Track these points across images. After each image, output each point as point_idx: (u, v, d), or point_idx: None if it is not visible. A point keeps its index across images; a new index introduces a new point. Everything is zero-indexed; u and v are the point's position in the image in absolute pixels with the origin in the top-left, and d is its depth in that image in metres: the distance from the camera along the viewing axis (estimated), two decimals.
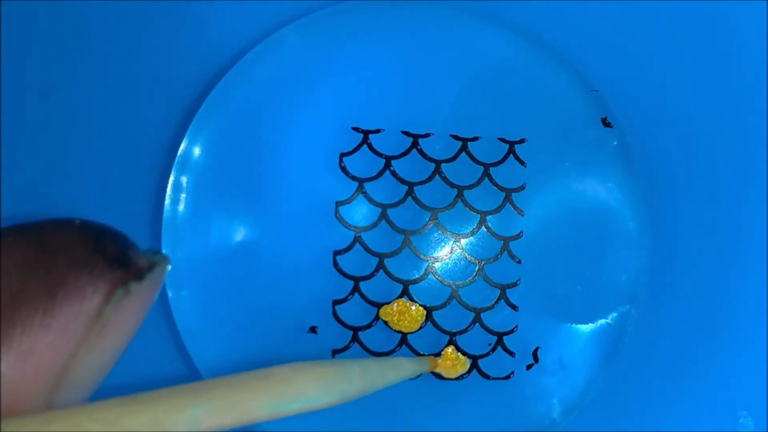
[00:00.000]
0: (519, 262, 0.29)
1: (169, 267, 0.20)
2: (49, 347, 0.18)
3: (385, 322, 0.29)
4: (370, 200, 0.29)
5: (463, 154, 0.29)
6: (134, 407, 0.18)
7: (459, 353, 0.29)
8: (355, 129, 0.29)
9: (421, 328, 0.29)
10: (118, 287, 0.19)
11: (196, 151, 0.29)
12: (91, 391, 0.20)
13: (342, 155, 0.29)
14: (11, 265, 0.18)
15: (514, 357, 0.29)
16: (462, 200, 0.29)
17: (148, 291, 0.19)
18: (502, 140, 0.29)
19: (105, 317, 0.19)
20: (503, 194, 0.29)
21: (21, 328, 0.18)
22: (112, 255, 0.19)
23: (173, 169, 0.29)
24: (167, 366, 0.31)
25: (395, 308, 0.29)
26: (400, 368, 0.26)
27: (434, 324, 0.29)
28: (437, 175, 0.29)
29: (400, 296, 0.29)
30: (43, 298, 0.18)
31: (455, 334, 0.29)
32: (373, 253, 0.29)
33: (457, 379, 0.29)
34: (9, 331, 0.18)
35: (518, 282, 0.29)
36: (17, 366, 0.18)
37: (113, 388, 0.30)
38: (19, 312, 0.18)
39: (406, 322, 0.29)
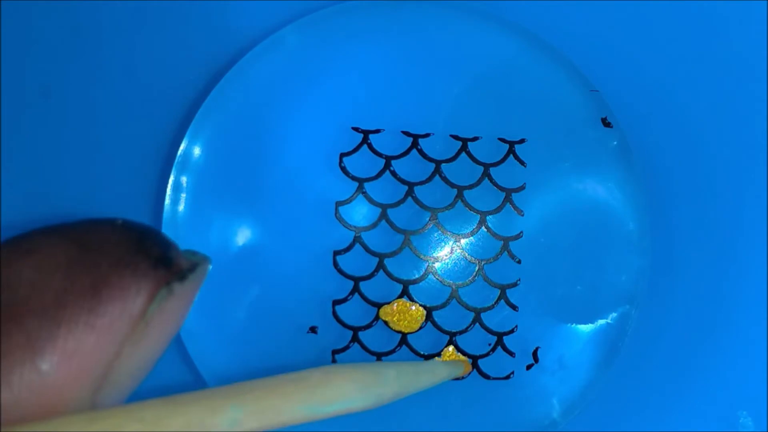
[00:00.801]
0: (519, 262, 0.29)
1: (210, 267, 0.20)
2: (93, 347, 0.18)
3: (385, 322, 0.29)
4: (370, 200, 0.29)
5: (463, 154, 0.29)
6: (174, 408, 0.18)
7: (459, 353, 0.29)
8: (355, 129, 0.29)
9: (421, 328, 0.29)
10: (162, 287, 0.19)
11: (196, 151, 0.29)
12: (132, 390, 0.20)
13: (342, 155, 0.29)
14: (55, 265, 0.18)
15: (514, 357, 0.29)
16: (462, 200, 0.29)
17: (190, 291, 0.20)
18: (502, 140, 0.29)
19: (148, 317, 0.19)
20: (503, 194, 0.29)
21: (66, 328, 0.18)
22: (155, 255, 0.19)
23: (173, 169, 0.29)
24: (167, 366, 0.31)
25: (395, 308, 0.29)
26: (435, 372, 0.26)
27: (434, 324, 0.29)
28: (437, 175, 0.29)
29: (400, 296, 0.29)
30: (88, 298, 0.18)
31: (455, 334, 0.29)
32: (373, 253, 0.29)
33: (457, 379, 0.29)
34: (54, 330, 0.18)
35: (518, 282, 0.29)
36: (62, 366, 0.18)
37: None
38: (64, 311, 0.18)
39: (406, 322, 0.29)
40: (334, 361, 0.29)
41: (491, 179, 0.29)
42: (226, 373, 0.29)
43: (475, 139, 0.29)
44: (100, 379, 0.19)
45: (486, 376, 0.29)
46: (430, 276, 0.29)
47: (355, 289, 0.29)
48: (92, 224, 0.19)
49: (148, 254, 0.19)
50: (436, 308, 0.29)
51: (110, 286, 0.18)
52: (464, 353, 0.29)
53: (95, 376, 0.18)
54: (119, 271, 0.19)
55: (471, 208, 0.29)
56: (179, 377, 0.30)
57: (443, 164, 0.29)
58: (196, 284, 0.20)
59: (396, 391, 0.23)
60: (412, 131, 0.29)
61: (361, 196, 0.29)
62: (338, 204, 0.29)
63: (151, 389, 0.30)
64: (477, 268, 0.29)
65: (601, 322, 0.30)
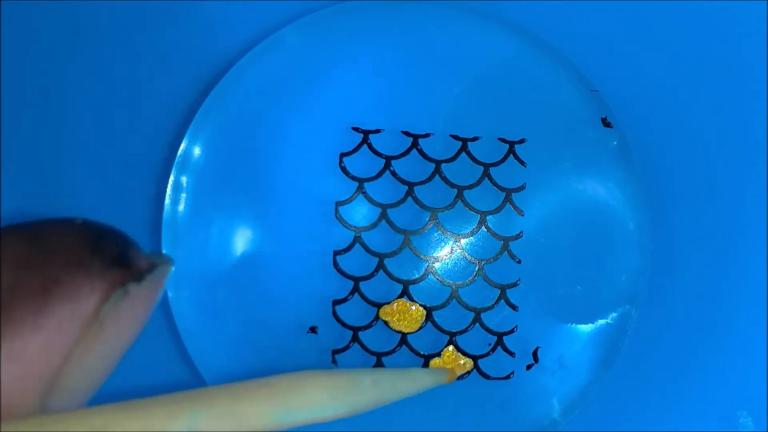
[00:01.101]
0: (519, 262, 0.29)
1: (172, 268, 0.20)
2: (41, 348, 0.17)
3: (385, 322, 0.29)
4: (370, 200, 0.29)
5: (463, 154, 0.29)
6: (128, 413, 0.18)
7: (459, 353, 0.29)
8: (355, 129, 0.29)
9: (421, 328, 0.29)
10: (117, 288, 0.18)
11: (196, 151, 0.29)
12: (89, 396, 0.19)
13: (342, 155, 0.29)
14: (6, 263, 0.18)
15: (514, 357, 0.29)
16: (462, 200, 0.29)
17: (148, 293, 0.19)
18: (502, 140, 0.29)
19: (102, 318, 0.18)
20: (503, 194, 0.29)
21: (12, 328, 0.17)
22: (111, 255, 0.18)
23: (173, 169, 0.29)
24: (167, 366, 0.31)
25: (395, 308, 0.29)
26: (416, 380, 0.26)
27: (434, 324, 0.29)
28: (437, 175, 0.29)
29: (400, 296, 0.29)
30: (37, 297, 0.17)
31: (455, 334, 0.29)
32: (373, 253, 0.29)
33: (458, 379, 0.29)
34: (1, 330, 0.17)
35: (518, 282, 0.29)
36: (7, 368, 0.17)
37: (112, 388, 0.30)
38: (11, 311, 0.17)
39: (406, 322, 0.29)
40: (334, 361, 0.29)
41: (491, 179, 0.29)
42: (226, 373, 0.29)
43: (475, 139, 0.29)
44: (50, 383, 0.18)
45: (486, 376, 0.29)
46: (430, 276, 0.29)
47: (355, 289, 0.29)
48: (50, 223, 0.19)
49: (104, 254, 0.18)
50: (436, 308, 0.29)
51: (61, 286, 0.18)
52: (464, 353, 0.29)
53: (45, 379, 0.18)
54: (72, 270, 0.18)
55: (471, 208, 0.29)
56: (179, 377, 0.30)
57: (443, 164, 0.29)
58: (155, 286, 0.19)
59: (373, 399, 0.22)
60: (412, 131, 0.29)
61: (361, 196, 0.29)
62: (338, 204, 0.29)
63: (151, 389, 0.30)
64: (477, 268, 0.29)
65: (601, 322, 0.30)
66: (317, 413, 0.20)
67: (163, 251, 0.29)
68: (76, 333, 0.18)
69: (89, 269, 0.18)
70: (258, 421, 0.19)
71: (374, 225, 0.29)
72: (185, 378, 0.30)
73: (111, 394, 0.30)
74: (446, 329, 0.29)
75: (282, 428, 0.20)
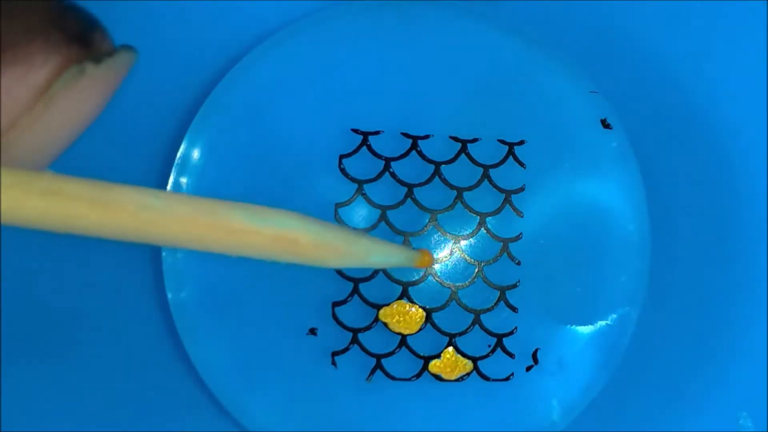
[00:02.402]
0: (519, 263, 0.29)
1: (135, 59, 0.19)
2: None
3: (385, 324, 0.29)
4: (370, 202, 0.29)
5: (463, 155, 0.29)
6: (74, 181, 0.18)
7: (459, 355, 0.29)
8: (355, 131, 0.29)
9: (420, 329, 0.29)
10: (72, 64, 0.18)
11: (196, 152, 0.29)
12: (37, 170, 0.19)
13: (341, 157, 0.29)
14: None
15: (513, 358, 0.29)
16: (461, 202, 0.29)
17: (106, 78, 0.19)
18: (502, 142, 0.29)
19: (53, 92, 0.18)
20: (503, 196, 0.29)
21: None
22: (73, 30, 0.18)
23: (173, 170, 0.29)
24: (167, 366, 0.31)
25: (395, 310, 0.29)
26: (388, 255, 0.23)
27: (434, 326, 0.29)
28: (437, 177, 0.29)
29: (400, 298, 0.29)
30: None
31: (455, 335, 0.29)
32: None
33: (457, 380, 0.29)
34: None
35: (518, 283, 0.29)
36: None
37: (111, 387, 0.30)
38: None
39: (406, 323, 0.29)
40: (333, 363, 0.29)
41: (491, 181, 0.29)
42: (226, 374, 0.29)
43: (474, 140, 0.29)
44: None
45: (486, 378, 0.29)
46: (430, 277, 0.29)
47: (355, 291, 0.29)
48: None
49: (65, 28, 0.18)
50: (436, 310, 0.29)
51: (16, 49, 0.18)
52: (464, 355, 0.29)
53: None
54: (29, 37, 0.18)
55: (470, 210, 0.29)
56: (179, 377, 0.30)
57: (443, 166, 0.29)
58: (115, 73, 0.19)
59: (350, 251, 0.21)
60: (411, 133, 0.29)
61: (360, 197, 0.29)
62: (338, 206, 0.28)
63: (151, 389, 0.30)
64: (476, 270, 0.29)
65: (601, 323, 0.30)
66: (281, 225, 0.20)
67: (163, 253, 0.29)
68: (24, 101, 0.18)
69: (48, 39, 0.18)
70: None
71: (374, 227, 0.29)
72: (185, 378, 0.30)
73: (111, 393, 0.30)
74: (446, 331, 0.29)
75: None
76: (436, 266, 0.29)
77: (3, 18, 0.18)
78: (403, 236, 0.29)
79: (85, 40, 0.18)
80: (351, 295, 0.29)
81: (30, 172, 0.18)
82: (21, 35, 0.18)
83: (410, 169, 0.29)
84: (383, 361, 0.29)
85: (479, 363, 0.29)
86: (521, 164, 0.29)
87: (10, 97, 0.18)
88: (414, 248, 0.24)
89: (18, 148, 0.18)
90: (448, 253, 0.29)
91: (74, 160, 0.30)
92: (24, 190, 0.17)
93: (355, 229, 0.21)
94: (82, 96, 0.18)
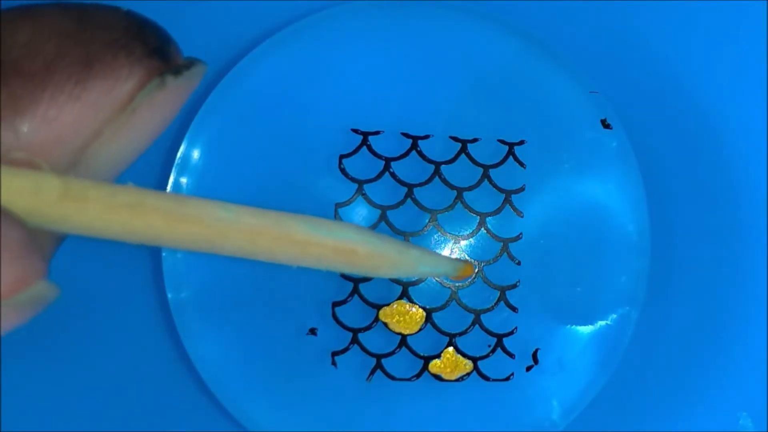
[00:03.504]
0: (518, 263, 0.29)
1: (206, 70, 0.20)
2: (75, 119, 0.18)
3: (385, 324, 0.29)
4: (370, 202, 0.29)
5: (463, 155, 0.29)
6: (158, 197, 0.18)
7: (459, 355, 0.29)
8: (355, 131, 0.29)
9: (420, 329, 0.29)
10: (154, 76, 0.19)
11: (196, 152, 0.29)
12: (109, 179, 0.20)
13: (341, 157, 0.29)
14: (51, 33, 0.18)
15: (513, 358, 0.29)
16: (461, 202, 0.29)
17: (182, 89, 0.19)
18: (502, 142, 0.29)
19: (136, 104, 0.19)
20: (503, 196, 0.29)
21: (50, 93, 0.18)
22: (153, 45, 0.19)
23: (173, 170, 0.29)
24: (167, 366, 0.31)
25: (395, 310, 0.29)
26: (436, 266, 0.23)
27: (434, 326, 0.29)
28: (437, 177, 0.29)
29: (400, 298, 0.29)
30: (78, 69, 0.18)
31: (455, 335, 0.29)
32: None
33: (457, 380, 0.29)
34: (38, 94, 0.18)
35: (518, 283, 0.29)
36: (41, 130, 0.18)
37: (111, 387, 0.30)
38: (52, 78, 0.18)
39: (406, 323, 0.29)
40: (333, 363, 0.29)
41: (491, 181, 0.29)
42: (226, 374, 0.29)
43: (474, 140, 0.29)
44: (76, 155, 0.19)
45: (486, 378, 0.29)
46: (430, 277, 0.29)
47: (355, 291, 0.29)
48: (98, 5, 0.19)
49: (146, 42, 0.19)
50: (436, 310, 0.29)
51: (102, 63, 0.18)
52: (464, 355, 0.29)
53: (72, 149, 0.18)
54: (114, 51, 0.19)
55: (470, 210, 0.29)
56: (179, 377, 0.31)
57: (443, 166, 0.29)
58: (190, 84, 0.20)
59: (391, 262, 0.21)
60: (411, 133, 0.29)
61: (360, 197, 0.29)
62: (338, 206, 0.29)
63: (151, 389, 0.30)
64: (476, 270, 0.29)
65: (601, 323, 0.30)
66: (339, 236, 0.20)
67: (163, 254, 0.29)
68: (109, 113, 0.19)
69: (131, 53, 0.19)
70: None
71: (374, 227, 0.29)
72: (185, 378, 0.30)
73: (111, 393, 0.30)
74: (446, 331, 0.29)
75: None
76: None
77: (88, 32, 0.19)
78: (403, 236, 0.29)
79: (163, 52, 0.19)
80: (351, 295, 0.29)
81: (114, 185, 0.18)
82: (106, 49, 0.19)
83: (410, 169, 0.29)
84: (383, 361, 0.29)
85: (479, 363, 0.29)
86: (521, 164, 0.29)
87: (96, 109, 0.18)
88: (457, 258, 0.25)
89: (99, 159, 0.19)
90: (448, 253, 0.29)
91: None
92: (109, 204, 0.18)
93: (406, 242, 0.22)
94: (160, 107, 0.19)
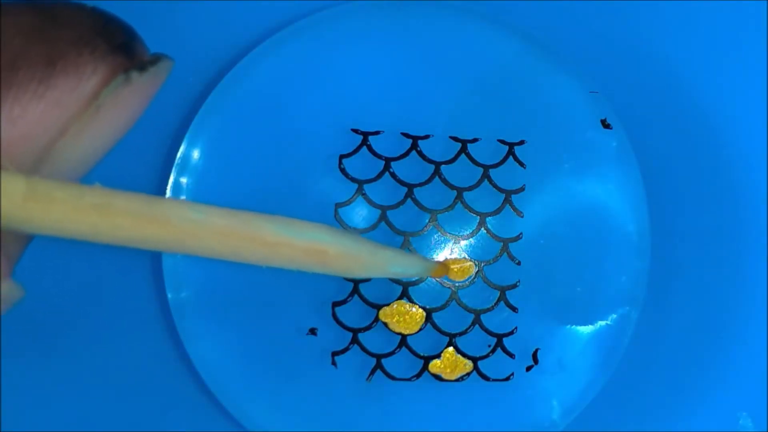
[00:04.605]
0: (519, 263, 0.29)
1: (172, 66, 0.20)
2: (39, 117, 0.18)
3: (385, 324, 0.29)
4: (370, 202, 0.29)
5: (463, 155, 0.29)
6: (122, 196, 0.18)
7: (459, 355, 0.29)
8: (355, 131, 0.29)
9: (420, 329, 0.29)
10: (119, 73, 0.19)
11: (196, 152, 0.29)
12: (77, 177, 0.20)
13: (341, 157, 0.29)
14: (15, 30, 0.18)
15: (513, 358, 0.29)
16: (461, 202, 0.29)
17: (148, 85, 0.19)
18: (502, 142, 0.29)
19: (101, 100, 0.19)
20: (503, 196, 0.29)
21: (15, 92, 0.18)
22: (118, 41, 0.19)
23: (173, 170, 0.29)
24: (167, 366, 0.31)
25: (395, 310, 0.29)
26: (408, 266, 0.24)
27: (434, 326, 0.29)
28: (437, 177, 0.29)
29: (400, 298, 0.29)
30: (41, 67, 0.18)
31: (455, 335, 0.29)
32: None
33: (457, 380, 0.29)
34: (2, 93, 0.18)
35: (518, 283, 0.29)
36: (5, 127, 0.18)
37: (111, 387, 0.30)
38: (16, 76, 0.18)
39: (406, 323, 0.29)
40: (333, 363, 0.29)
41: (491, 181, 0.29)
42: (226, 375, 0.29)
43: (474, 140, 0.29)
44: (42, 153, 0.19)
45: (486, 378, 0.29)
46: (430, 277, 0.29)
47: (355, 291, 0.29)
48: (64, 3, 0.19)
49: (110, 38, 0.19)
50: (436, 310, 0.29)
51: (66, 61, 0.18)
52: (464, 355, 0.29)
53: (37, 148, 0.18)
54: (78, 48, 0.18)
55: (470, 210, 0.29)
56: (179, 377, 0.31)
57: (443, 166, 0.29)
58: (156, 80, 0.20)
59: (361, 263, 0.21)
60: (411, 133, 0.29)
61: (360, 197, 0.29)
62: (338, 206, 0.29)
63: (151, 389, 0.31)
64: (477, 270, 0.29)
65: (601, 323, 0.30)
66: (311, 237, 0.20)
67: (163, 254, 0.29)
68: (74, 110, 0.19)
69: (94, 50, 0.19)
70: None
71: (374, 227, 0.29)
72: (184, 378, 0.30)
73: (111, 393, 0.30)
74: (446, 331, 0.29)
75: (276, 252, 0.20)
76: None
77: (52, 30, 0.19)
78: (403, 236, 0.29)
79: (128, 49, 0.19)
80: (351, 295, 0.29)
81: (81, 185, 0.18)
82: (70, 46, 0.19)
83: (410, 169, 0.29)
84: (383, 361, 0.29)
85: (479, 363, 0.29)
86: (521, 164, 0.29)
87: (61, 107, 0.18)
88: (430, 259, 0.26)
89: (65, 157, 0.19)
90: (448, 253, 0.29)
91: None
92: (76, 205, 0.18)
93: (378, 242, 0.22)
94: (126, 104, 0.19)
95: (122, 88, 0.19)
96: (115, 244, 0.19)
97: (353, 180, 0.29)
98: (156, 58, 0.20)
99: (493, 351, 0.29)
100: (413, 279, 0.29)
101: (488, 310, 0.29)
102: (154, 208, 0.18)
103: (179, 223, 0.19)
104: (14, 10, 0.19)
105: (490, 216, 0.29)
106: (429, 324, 0.29)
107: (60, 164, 0.19)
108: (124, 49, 0.19)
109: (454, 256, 0.29)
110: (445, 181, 0.29)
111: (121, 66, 0.19)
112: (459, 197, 0.29)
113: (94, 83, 0.19)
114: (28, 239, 0.20)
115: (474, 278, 0.29)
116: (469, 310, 0.29)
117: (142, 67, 0.19)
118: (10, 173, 0.18)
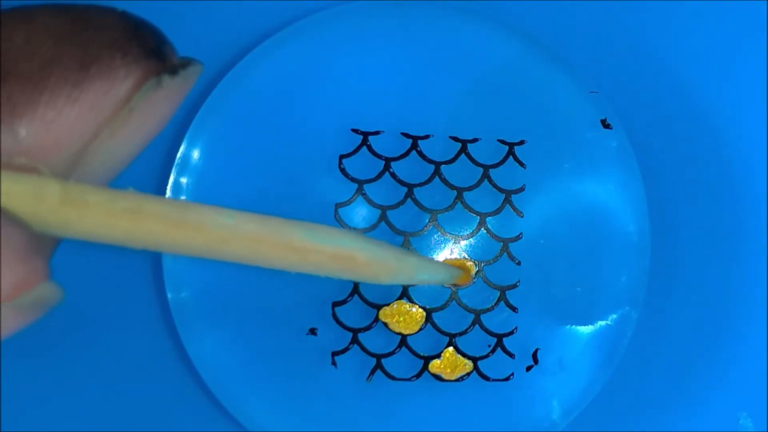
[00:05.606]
0: (519, 263, 0.29)
1: (201, 70, 0.20)
2: (73, 121, 0.18)
3: (385, 324, 0.29)
4: (370, 202, 0.29)
5: (463, 155, 0.29)
6: (158, 201, 0.19)
7: (459, 355, 0.29)
8: (355, 131, 0.29)
9: (420, 329, 0.29)
10: (151, 77, 0.19)
11: (196, 152, 0.29)
12: (105, 182, 0.20)
13: (341, 157, 0.29)
14: (47, 35, 0.18)
15: (513, 358, 0.29)
16: (461, 202, 0.29)
17: (178, 89, 0.20)
18: (502, 142, 0.29)
19: (133, 104, 0.19)
20: (503, 196, 0.29)
21: (48, 96, 0.18)
22: (149, 45, 0.19)
23: (173, 170, 0.29)
24: (167, 366, 0.31)
25: (395, 310, 0.29)
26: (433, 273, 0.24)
27: (434, 326, 0.29)
28: (437, 177, 0.29)
29: (400, 298, 0.29)
30: (75, 71, 0.18)
31: (455, 335, 0.29)
32: None
33: (457, 380, 0.29)
34: (35, 96, 0.18)
35: (518, 283, 0.29)
36: (39, 132, 0.18)
37: (111, 387, 0.30)
38: (49, 80, 0.18)
39: (406, 323, 0.29)
40: (333, 363, 0.29)
41: (491, 181, 0.29)
42: (226, 375, 0.29)
43: (474, 140, 0.29)
44: (75, 157, 0.19)
45: (486, 378, 0.29)
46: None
47: (355, 291, 0.29)
48: (93, 7, 0.19)
49: (142, 43, 0.19)
50: (436, 310, 0.29)
51: (99, 64, 0.18)
52: (464, 355, 0.29)
53: (71, 152, 0.18)
54: (111, 52, 0.19)
55: (471, 210, 0.29)
56: (179, 377, 0.31)
57: (443, 166, 0.29)
58: (186, 84, 0.20)
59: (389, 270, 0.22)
60: (411, 133, 0.29)
61: (360, 197, 0.29)
62: (338, 206, 0.29)
63: (151, 389, 0.31)
64: (477, 270, 0.29)
65: (601, 323, 0.30)
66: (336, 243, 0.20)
67: (163, 254, 0.29)
68: (107, 114, 0.19)
69: (127, 54, 0.19)
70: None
71: (374, 227, 0.29)
72: (185, 378, 0.30)
73: (111, 393, 0.30)
74: (446, 331, 0.29)
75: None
76: None
77: (84, 34, 0.19)
78: (403, 236, 0.29)
79: (160, 53, 0.19)
80: (351, 295, 0.29)
81: (114, 190, 0.18)
82: (103, 50, 0.19)
83: (410, 169, 0.29)
84: (383, 361, 0.29)
85: (479, 363, 0.29)
86: (521, 164, 0.29)
87: (94, 110, 0.18)
88: (454, 268, 0.25)
89: (97, 160, 0.19)
90: (448, 253, 0.29)
91: None
92: (109, 209, 0.18)
93: (405, 249, 0.23)
94: (157, 107, 0.19)
95: (154, 92, 0.19)
96: (148, 249, 0.19)
97: (353, 180, 0.29)
98: (186, 62, 0.20)
99: (493, 351, 0.29)
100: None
101: (488, 310, 0.29)
102: (186, 213, 0.19)
103: (211, 229, 0.19)
104: (45, 14, 0.19)
105: (490, 216, 0.29)
106: (429, 324, 0.29)
107: (91, 168, 0.19)
108: (156, 53, 0.19)
109: (454, 256, 0.29)
110: (445, 181, 0.29)
111: (153, 70, 0.19)
112: (459, 197, 0.29)
113: (127, 87, 0.19)
114: (57, 241, 0.20)
115: (474, 278, 0.29)
116: (469, 310, 0.29)
117: (174, 71, 0.19)
118: (46, 177, 0.18)
